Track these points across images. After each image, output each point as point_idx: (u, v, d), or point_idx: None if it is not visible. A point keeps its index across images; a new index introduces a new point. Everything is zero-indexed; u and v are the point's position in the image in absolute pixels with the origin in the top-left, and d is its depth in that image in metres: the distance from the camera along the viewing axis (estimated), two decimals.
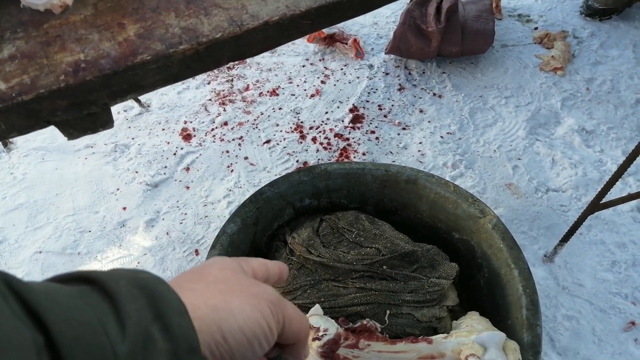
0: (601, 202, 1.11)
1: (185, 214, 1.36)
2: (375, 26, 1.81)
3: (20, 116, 0.42)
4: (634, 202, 1.30)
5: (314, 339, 0.87)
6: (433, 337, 0.92)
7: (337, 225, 1.13)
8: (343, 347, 0.89)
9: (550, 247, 1.23)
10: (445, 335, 0.94)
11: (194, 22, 0.46)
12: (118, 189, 1.41)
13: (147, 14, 0.47)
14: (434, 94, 1.61)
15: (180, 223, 1.34)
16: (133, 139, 1.53)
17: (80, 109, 0.44)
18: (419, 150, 1.45)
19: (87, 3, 0.48)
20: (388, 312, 0.98)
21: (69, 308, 0.25)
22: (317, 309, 0.93)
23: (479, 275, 1.11)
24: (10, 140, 1.52)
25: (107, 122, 0.48)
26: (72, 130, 0.47)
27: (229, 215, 1.15)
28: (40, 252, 1.30)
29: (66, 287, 0.27)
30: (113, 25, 0.46)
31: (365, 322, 0.94)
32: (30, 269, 1.27)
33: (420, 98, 1.60)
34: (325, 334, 0.87)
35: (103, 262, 1.28)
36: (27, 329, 0.22)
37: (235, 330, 0.31)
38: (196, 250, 1.29)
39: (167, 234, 1.32)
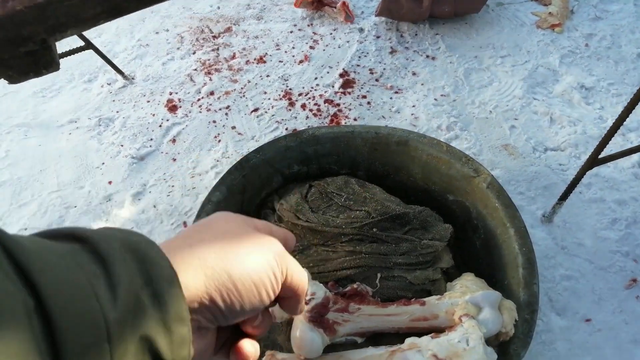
0: (600, 157, 1.06)
1: (173, 186, 1.32)
2: None
3: None
4: (635, 158, 1.25)
5: None
6: (426, 299, 0.89)
7: (325, 190, 1.09)
8: (332, 311, 0.86)
9: (548, 207, 1.19)
10: (438, 297, 0.90)
11: None
12: (103, 163, 1.38)
13: None
14: (427, 56, 1.55)
15: (168, 195, 1.30)
16: (117, 112, 1.48)
17: (16, 45, 0.40)
18: (412, 114, 1.40)
19: None
20: (379, 275, 0.95)
21: (61, 269, 0.24)
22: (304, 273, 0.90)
23: (474, 236, 1.08)
24: None
25: (50, 63, 0.44)
26: (11, 72, 0.42)
27: None
28: (26, 229, 1.27)
29: (57, 245, 0.26)
30: None
31: (355, 286, 0.90)
32: None
33: (413, 61, 1.54)
34: (313, 298, 0.84)
35: None
36: (17, 291, 0.22)
37: (245, 277, 0.33)
38: (184, 223, 1.26)
39: (154, 206, 1.28)
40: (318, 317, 0.84)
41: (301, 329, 0.82)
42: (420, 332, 0.84)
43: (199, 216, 1.03)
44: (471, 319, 0.83)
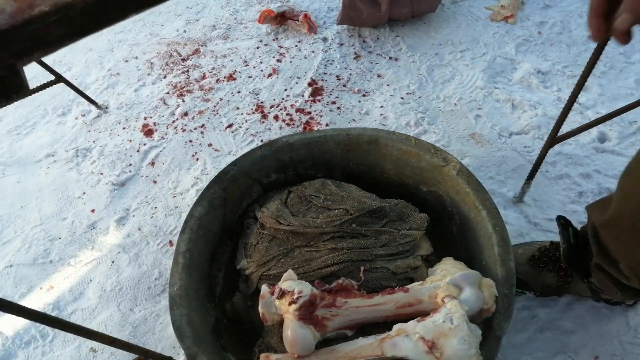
0: (559, 135, 1.12)
1: (156, 207, 1.34)
2: (324, 0, 1.81)
3: None
4: (594, 133, 1.31)
5: (290, 303, 0.87)
6: (409, 286, 0.93)
7: (304, 194, 1.12)
8: (320, 307, 0.89)
9: (518, 188, 1.24)
10: (420, 282, 0.94)
11: None
12: (84, 193, 1.39)
13: None
14: (390, 58, 1.61)
15: (151, 217, 1.32)
16: (94, 141, 1.50)
17: None
18: (381, 114, 1.45)
19: None
20: (362, 268, 0.98)
21: None
22: (290, 273, 0.93)
23: (450, 223, 1.12)
24: None
25: (20, 88, 0.46)
26: None
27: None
28: (11, 265, 1.28)
29: None
30: None
31: (340, 281, 0.93)
32: (2, 283, 1.25)
33: (377, 64, 1.60)
34: (301, 296, 0.87)
35: (77, 266, 1.26)
36: None
37: None
38: (170, 242, 1.28)
39: (139, 229, 1.30)
40: (307, 315, 0.87)
41: (292, 328, 0.85)
42: (407, 319, 0.88)
43: (183, 232, 1.05)
44: (453, 299, 0.86)
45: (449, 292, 0.89)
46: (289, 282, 0.92)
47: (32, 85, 1.42)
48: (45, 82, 1.40)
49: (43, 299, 1.21)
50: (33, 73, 1.69)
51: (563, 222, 1.02)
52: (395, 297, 0.92)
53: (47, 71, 1.36)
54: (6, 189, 1.43)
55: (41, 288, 1.23)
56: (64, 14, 0.43)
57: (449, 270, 0.95)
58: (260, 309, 0.91)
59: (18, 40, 0.42)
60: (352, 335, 0.92)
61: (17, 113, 1.61)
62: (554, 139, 1.11)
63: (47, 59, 1.34)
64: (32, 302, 1.20)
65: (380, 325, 0.91)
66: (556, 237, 1.15)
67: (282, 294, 0.90)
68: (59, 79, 1.38)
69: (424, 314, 0.89)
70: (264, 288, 0.93)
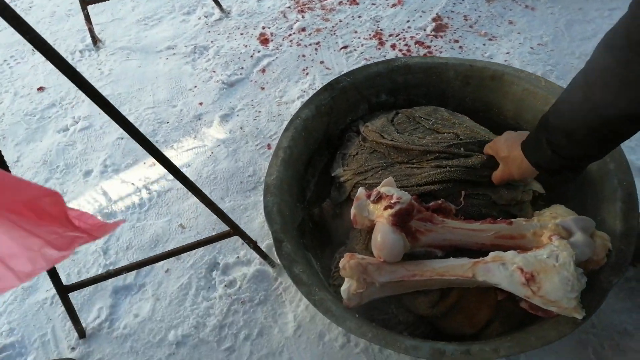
0: None
1: (259, 111, 1.36)
2: None
3: None
4: None
5: (385, 208, 0.84)
6: (513, 220, 0.86)
7: (413, 115, 1.08)
8: (416, 219, 0.85)
9: None
10: (526, 219, 0.87)
11: None
12: (195, 86, 1.44)
13: None
14: (527, 6, 1.49)
15: (254, 119, 1.34)
16: (212, 42, 1.54)
17: None
18: (505, 60, 1.36)
19: None
20: (463, 192, 0.93)
21: None
22: (390, 180, 0.90)
23: (567, 176, 1.03)
24: (100, 39, 1.59)
25: None
26: None
27: None
28: (122, 138, 1.35)
29: None
30: None
31: (440, 202, 0.89)
32: (113, 152, 1.33)
33: (511, 10, 1.49)
34: (399, 202, 0.83)
35: (178, 150, 1.31)
36: None
37: None
38: (268, 145, 1.29)
39: (241, 128, 1.33)
40: (402, 222, 0.83)
41: (384, 231, 0.82)
42: (504, 250, 0.82)
43: (287, 129, 1.05)
44: (562, 239, 0.79)
45: (558, 232, 0.82)
46: (388, 187, 0.88)
47: None
48: None
49: (145, 172, 1.27)
50: None
51: None
52: (497, 227, 0.86)
53: None
54: (128, 71, 1.51)
55: (144, 163, 1.29)
56: None
57: (559, 213, 0.87)
58: (352, 210, 0.89)
59: None
60: (441, 256, 0.87)
61: (147, 5, 1.68)
62: None
63: None
64: (135, 172, 1.27)
65: (474, 252, 0.86)
66: None
67: (379, 197, 0.87)
68: None
69: (524, 250, 0.82)
70: (361, 190, 0.90)
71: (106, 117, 1.39)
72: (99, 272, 1.09)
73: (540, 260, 0.76)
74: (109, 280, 1.05)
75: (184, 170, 1.26)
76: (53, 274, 0.87)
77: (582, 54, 1.35)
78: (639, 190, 1.09)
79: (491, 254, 0.81)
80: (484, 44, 1.40)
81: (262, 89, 1.40)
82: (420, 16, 1.50)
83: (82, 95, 1.45)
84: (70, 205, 1.22)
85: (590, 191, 0.96)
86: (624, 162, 0.92)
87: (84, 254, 1.12)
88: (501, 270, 0.78)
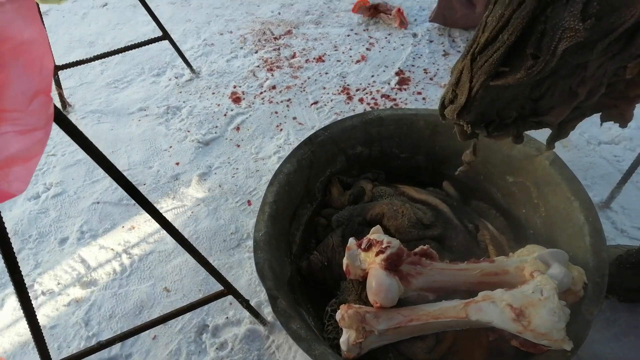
0: None
1: (237, 168, 1.38)
2: None
3: None
4: None
5: (377, 253, 0.88)
6: (495, 258, 0.92)
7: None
8: (406, 263, 0.89)
9: (605, 195, 1.21)
10: (506, 256, 0.93)
11: None
12: (171, 147, 1.45)
13: None
14: None
15: (232, 177, 1.37)
16: (184, 102, 1.57)
17: None
18: None
19: None
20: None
21: None
22: (377, 228, 0.94)
23: (535, 216, 1.10)
24: (69, 103, 1.58)
25: None
26: None
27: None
28: (98, 202, 1.34)
29: None
30: None
31: (425, 247, 0.93)
32: (89, 217, 1.31)
33: None
34: (389, 246, 0.87)
35: None
36: None
37: None
38: (248, 201, 1.31)
39: (220, 186, 1.35)
40: (394, 266, 0.87)
41: (378, 276, 0.86)
42: (491, 288, 0.86)
43: (271, 184, 1.08)
44: (542, 274, 0.85)
45: (537, 267, 0.88)
46: (377, 234, 0.92)
47: (138, 39, 1.51)
48: (153, 37, 1.48)
49: (124, 236, 1.26)
50: (137, 34, 1.79)
51: None
52: (481, 266, 0.91)
53: (154, 31, 1.45)
54: (100, 135, 1.51)
55: (123, 227, 1.28)
56: None
57: (535, 250, 0.93)
58: (345, 261, 0.93)
59: None
60: (433, 299, 0.91)
61: (116, 68, 1.70)
62: None
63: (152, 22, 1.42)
64: (114, 237, 1.25)
65: (464, 294, 0.90)
66: None
67: (370, 245, 0.90)
68: (166, 36, 1.46)
69: (508, 285, 0.87)
70: (351, 240, 0.94)
71: (80, 182, 1.39)
72: (82, 346, 1.05)
73: (527, 295, 0.81)
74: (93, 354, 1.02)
75: (164, 231, 1.26)
76: (42, 349, 0.84)
77: None
78: None
79: (481, 294, 0.85)
80: (441, 120, 1.50)
81: (238, 146, 1.44)
82: (384, 71, 1.60)
83: (53, 161, 1.44)
84: (46, 275, 1.19)
85: (559, 229, 1.03)
86: (587, 198, 1.00)
87: (64, 327, 1.09)
88: (492, 308, 0.82)
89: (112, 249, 1.23)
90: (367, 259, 0.90)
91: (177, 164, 1.41)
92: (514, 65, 0.63)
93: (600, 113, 0.79)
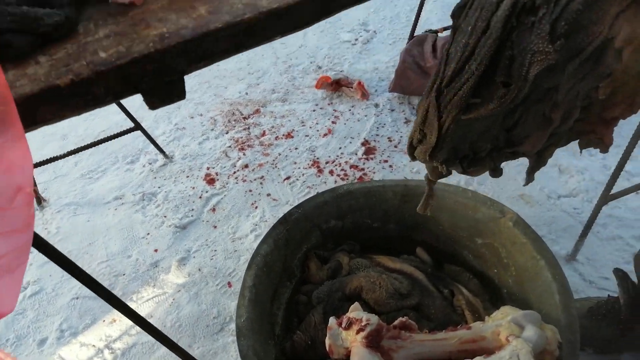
0: (611, 193, 1.17)
1: (215, 250, 1.40)
2: (377, 71, 1.95)
3: (117, 80, 0.50)
4: None
5: (357, 331, 0.90)
6: (471, 324, 0.95)
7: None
8: (386, 338, 0.91)
9: (570, 247, 1.27)
10: (482, 322, 0.96)
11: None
12: (148, 234, 1.47)
13: None
14: None
15: (211, 259, 1.38)
16: (159, 187, 1.61)
17: (163, 75, 0.53)
18: None
19: None
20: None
21: None
22: (356, 305, 0.97)
23: (506, 275, 1.15)
24: (44, 198, 1.60)
25: (181, 93, 0.56)
26: (154, 98, 0.55)
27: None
28: (77, 298, 1.33)
29: None
30: (187, 8, 0.55)
31: (404, 319, 0.96)
32: (68, 314, 1.30)
33: None
34: (369, 324, 0.90)
35: (139, 302, 1.31)
36: None
37: None
38: (229, 283, 1.33)
39: (199, 270, 1.36)
40: (374, 343, 0.89)
41: (360, 354, 0.88)
42: (470, 356, 0.90)
43: (249, 268, 1.10)
44: (517, 338, 0.88)
45: (511, 330, 0.92)
46: (356, 312, 0.95)
47: (111, 131, 1.55)
48: (125, 129, 1.53)
49: (106, 331, 1.25)
50: (109, 124, 1.85)
51: (621, 274, 1.05)
52: (459, 334, 0.94)
53: (126, 120, 1.50)
54: (77, 227, 1.52)
55: (104, 321, 1.27)
56: (231, 32, 0.53)
57: (508, 312, 0.97)
58: (327, 341, 0.94)
59: (194, 49, 0.52)
60: None
61: (90, 159, 1.73)
62: (606, 198, 1.16)
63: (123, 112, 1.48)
64: (95, 333, 1.24)
65: None
66: (613, 295, 1.17)
67: (350, 323, 0.93)
68: (137, 127, 1.51)
69: (487, 351, 0.90)
70: (332, 320, 0.96)
71: (58, 279, 1.38)
72: None
73: None
74: None
75: None
76: None
77: None
78: (566, 276, 1.23)
79: None
80: (410, 161, 1.58)
81: (215, 227, 1.47)
82: (350, 142, 1.67)
83: (30, 259, 1.43)
84: None
85: (530, 288, 1.08)
86: (552, 257, 1.05)
87: None
88: None
89: (93, 346, 1.22)
90: (349, 337, 0.92)
91: (156, 250, 1.42)
92: (484, 96, 0.60)
93: (579, 140, 0.78)
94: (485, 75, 0.58)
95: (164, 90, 0.54)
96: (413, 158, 0.77)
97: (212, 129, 1.78)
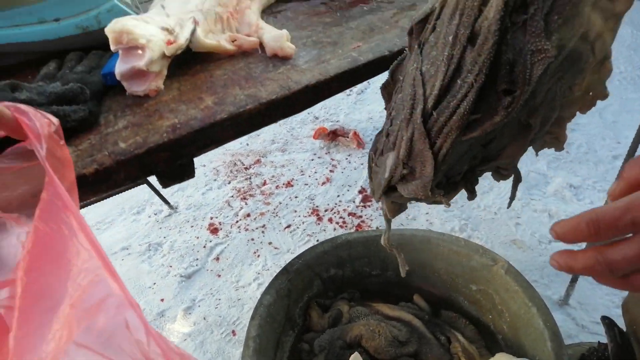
0: None
1: (219, 299, 1.45)
2: (371, 120, 2.04)
3: (135, 167, 0.57)
4: None
5: None
6: None
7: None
8: None
9: (562, 292, 1.32)
10: None
11: (254, 91, 0.63)
12: (155, 283, 1.52)
13: (218, 89, 0.64)
14: None
15: (216, 308, 1.43)
16: (165, 237, 1.66)
17: (175, 160, 0.59)
18: (427, 220, 1.59)
19: (173, 87, 0.66)
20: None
21: None
22: (356, 356, 1.01)
23: (501, 321, 1.19)
24: None
25: (190, 172, 0.62)
26: (166, 179, 0.61)
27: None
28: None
29: None
30: (195, 99, 0.63)
31: None
32: None
33: None
34: None
35: None
36: None
37: None
38: (233, 331, 1.37)
39: (204, 319, 1.40)
40: None
41: None
42: None
43: (253, 318, 1.15)
44: None
45: None
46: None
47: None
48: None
49: None
50: None
51: (608, 322, 1.09)
52: None
53: None
54: None
55: None
56: (235, 121, 0.61)
57: None
58: None
59: (202, 137, 0.59)
60: None
61: (97, 211, 1.80)
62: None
63: None
64: None
65: None
66: (605, 339, 1.21)
67: None
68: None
69: None
70: None
71: None
72: None
73: None
74: None
75: None
76: None
77: (486, 206, 1.62)
78: (559, 322, 1.27)
79: None
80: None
81: (219, 276, 1.52)
82: (348, 190, 1.74)
83: None
84: None
85: (524, 334, 1.12)
86: (543, 304, 1.09)
87: None
88: None
89: None
90: None
91: (162, 300, 1.47)
92: (484, 109, 0.53)
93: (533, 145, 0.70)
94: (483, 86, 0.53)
95: (176, 172, 0.61)
96: (401, 202, 0.67)
97: (215, 179, 1.85)
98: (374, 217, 1.62)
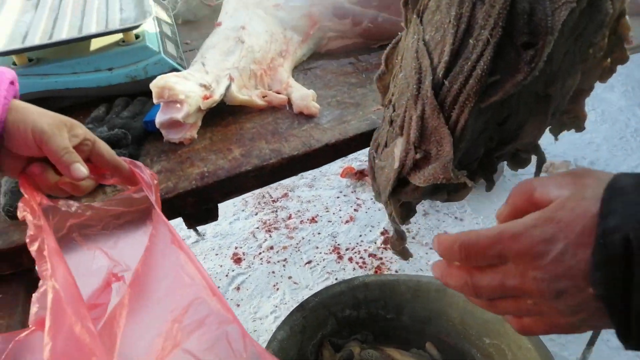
0: None
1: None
2: None
3: (165, 209, 0.63)
4: None
5: None
6: None
7: None
8: None
9: (579, 353, 1.30)
10: None
11: (278, 146, 0.68)
12: None
13: (246, 142, 0.70)
14: (456, 218, 1.80)
15: None
16: None
17: (201, 205, 0.65)
18: None
19: (206, 136, 0.72)
20: None
21: None
22: None
23: None
24: None
25: (215, 216, 0.68)
26: (193, 221, 0.67)
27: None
28: None
29: None
30: (224, 150, 0.69)
31: None
32: None
33: (444, 222, 1.79)
34: None
35: None
36: None
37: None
38: None
39: None
40: None
41: None
42: None
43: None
44: None
45: None
46: None
47: None
48: None
49: None
50: None
51: None
52: None
53: None
54: None
55: None
56: (259, 172, 0.66)
57: None
58: None
59: (227, 186, 0.65)
60: None
61: None
62: None
63: None
64: None
65: None
66: None
67: None
68: None
69: None
70: None
71: None
72: None
73: None
74: None
75: None
76: None
77: None
78: None
79: None
80: (427, 253, 1.66)
81: (238, 305, 1.56)
82: (370, 230, 1.77)
83: None
84: None
85: None
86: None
87: None
88: None
89: None
90: None
91: None
92: (502, 69, 0.47)
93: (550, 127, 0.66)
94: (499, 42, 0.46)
95: (201, 215, 0.67)
96: (413, 188, 0.55)
97: (243, 210, 1.92)
98: (394, 260, 1.64)
